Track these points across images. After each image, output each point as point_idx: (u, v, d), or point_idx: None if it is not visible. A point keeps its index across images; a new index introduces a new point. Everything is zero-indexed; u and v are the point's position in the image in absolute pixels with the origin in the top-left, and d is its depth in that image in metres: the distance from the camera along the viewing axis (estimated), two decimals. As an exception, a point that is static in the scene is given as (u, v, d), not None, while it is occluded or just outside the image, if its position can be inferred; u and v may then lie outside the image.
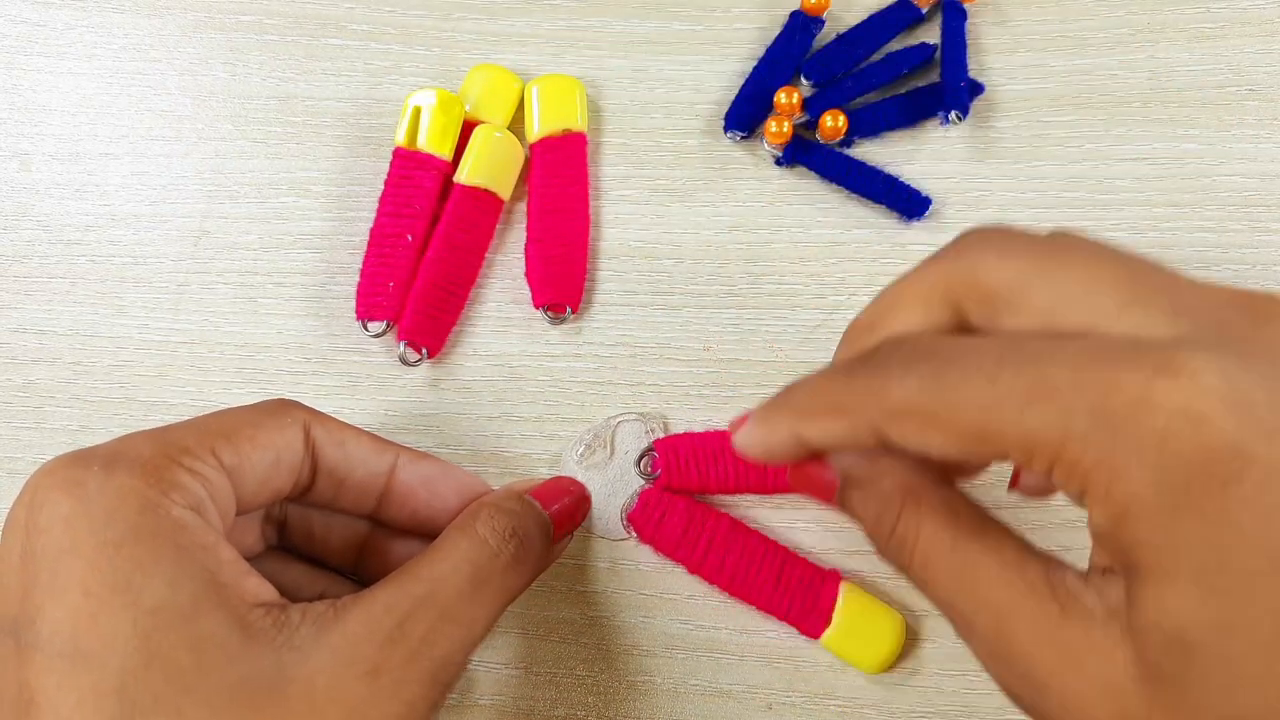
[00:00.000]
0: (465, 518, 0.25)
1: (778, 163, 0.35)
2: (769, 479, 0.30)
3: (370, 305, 0.32)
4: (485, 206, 0.33)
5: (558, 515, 0.27)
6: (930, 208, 0.33)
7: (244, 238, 0.34)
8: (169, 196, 0.35)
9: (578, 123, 0.34)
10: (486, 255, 0.34)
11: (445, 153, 0.33)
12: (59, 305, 0.34)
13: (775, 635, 0.29)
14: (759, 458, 0.22)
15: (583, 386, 0.32)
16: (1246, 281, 0.33)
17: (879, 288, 0.32)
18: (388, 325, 0.32)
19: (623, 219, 0.34)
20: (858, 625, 0.29)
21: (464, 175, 0.33)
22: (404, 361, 0.32)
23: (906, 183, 0.33)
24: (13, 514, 0.21)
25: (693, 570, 0.29)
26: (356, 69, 0.36)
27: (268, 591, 0.22)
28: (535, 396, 0.32)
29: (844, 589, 0.29)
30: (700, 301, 0.33)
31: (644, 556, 0.30)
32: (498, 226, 0.34)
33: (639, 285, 0.33)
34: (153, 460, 0.21)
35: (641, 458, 0.31)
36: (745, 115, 0.35)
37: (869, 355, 0.20)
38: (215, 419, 0.24)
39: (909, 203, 0.33)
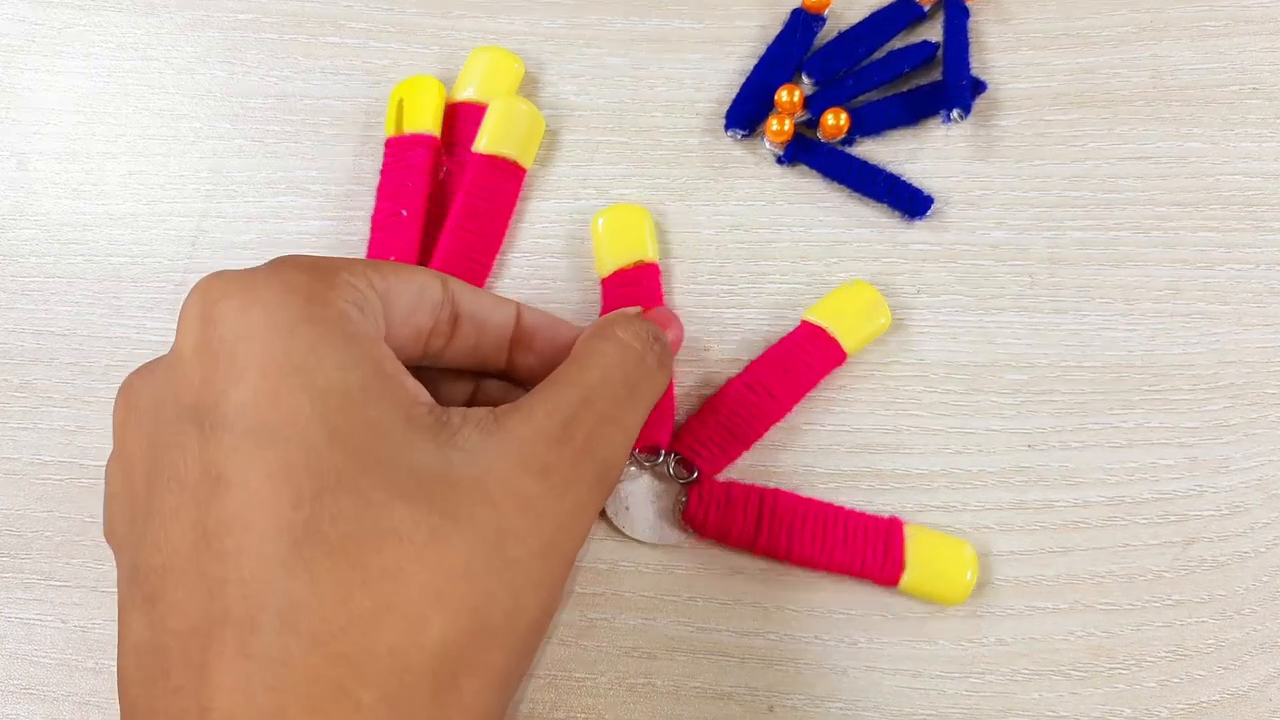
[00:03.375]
0: (602, 327, 0.26)
1: (779, 161, 0.34)
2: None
3: None
4: (505, 174, 0.33)
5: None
6: (932, 206, 0.33)
7: (241, 237, 0.34)
8: (167, 195, 0.35)
9: (648, 253, 0.32)
10: (510, 224, 0.34)
11: (431, 129, 0.33)
12: (56, 305, 0.34)
13: (776, 637, 0.29)
14: None
15: (583, 387, 0.32)
16: (1250, 281, 0.32)
17: (881, 287, 0.32)
18: None
19: (623, 218, 0.34)
20: (932, 562, 0.29)
21: (482, 145, 0.33)
22: None
23: (908, 181, 0.33)
24: (186, 313, 0.21)
25: (760, 551, 0.29)
26: (355, 67, 0.36)
27: (425, 395, 0.22)
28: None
29: (908, 531, 0.29)
30: (700, 301, 0.33)
31: (644, 558, 0.30)
32: (521, 197, 0.34)
33: (639, 285, 0.33)
34: (314, 266, 0.22)
35: (673, 462, 0.30)
36: (746, 114, 0.34)
37: None
38: (357, 259, 0.24)
39: (911, 202, 0.33)
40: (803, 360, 0.31)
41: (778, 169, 0.34)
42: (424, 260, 0.33)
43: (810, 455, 0.31)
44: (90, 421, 0.32)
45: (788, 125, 0.33)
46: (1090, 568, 0.30)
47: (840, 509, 0.30)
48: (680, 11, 0.37)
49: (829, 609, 0.29)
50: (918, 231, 0.33)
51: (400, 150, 0.33)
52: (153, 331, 0.33)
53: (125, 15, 0.37)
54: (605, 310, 0.32)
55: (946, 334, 0.32)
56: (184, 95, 0.36)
